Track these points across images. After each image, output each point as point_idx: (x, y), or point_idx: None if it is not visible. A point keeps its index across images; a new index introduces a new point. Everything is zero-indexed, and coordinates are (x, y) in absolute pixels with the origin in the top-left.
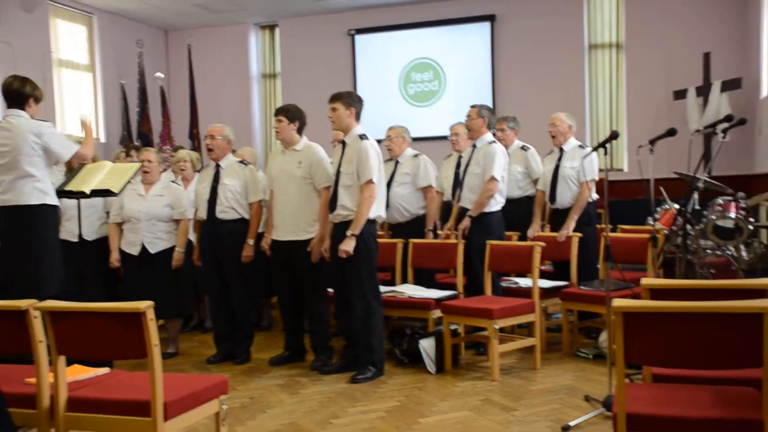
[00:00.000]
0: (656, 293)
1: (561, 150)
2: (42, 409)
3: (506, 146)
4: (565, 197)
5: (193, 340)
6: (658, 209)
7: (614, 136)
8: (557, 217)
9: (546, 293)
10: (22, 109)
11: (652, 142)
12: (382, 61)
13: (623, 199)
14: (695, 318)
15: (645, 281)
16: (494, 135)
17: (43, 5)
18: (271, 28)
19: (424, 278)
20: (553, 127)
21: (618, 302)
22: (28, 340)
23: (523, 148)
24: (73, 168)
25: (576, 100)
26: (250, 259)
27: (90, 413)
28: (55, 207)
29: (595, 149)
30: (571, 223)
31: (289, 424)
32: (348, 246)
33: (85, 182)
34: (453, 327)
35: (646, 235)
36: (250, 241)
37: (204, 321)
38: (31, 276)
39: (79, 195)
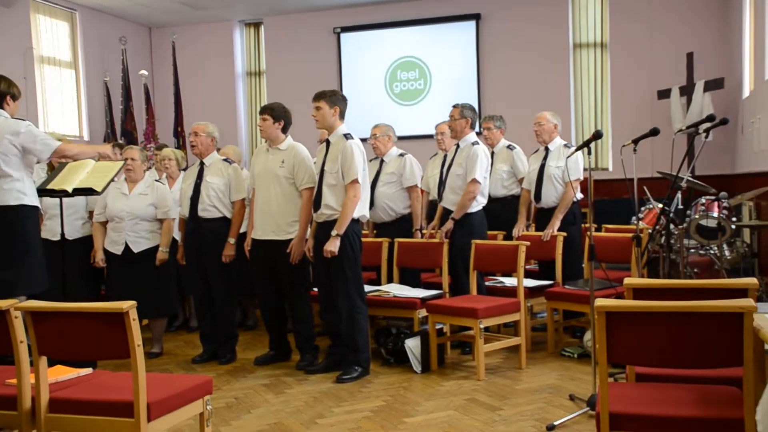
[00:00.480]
0: (639, 293)
1: (546, 149)
2: (23, 410)
3: (492, 145)
4: (550, 196)
5: (178, 339)
6: (642, 209)
7: (597, 135)
8: (542, 216)
9: (531, 292)
10: (0, 107)
11: (636, 141)
12: (367, 59)
13: (608, 199)
14: (677, 317)
15: (628, 281)
16: (480, 134)
17: (24, 0)
18: (256, 25)
19: (409, 278)
20: (539, 126)
21: (600, 302)
22: (9, 340)
23: (509, 147)
24: (54, 166)
25: (561, 99)
26: (232, 258)
27: (72, 414)
28: (34, 207)
29: (578, 149)
30: (556, 222)
31: (275, 424)
32: (333, 246)
33: (67, 181)
34: (438, 326)
35: (630, 235)
36: (231, 240)
37: (189, 320)
38: (10, 277)
39: (61, 194)
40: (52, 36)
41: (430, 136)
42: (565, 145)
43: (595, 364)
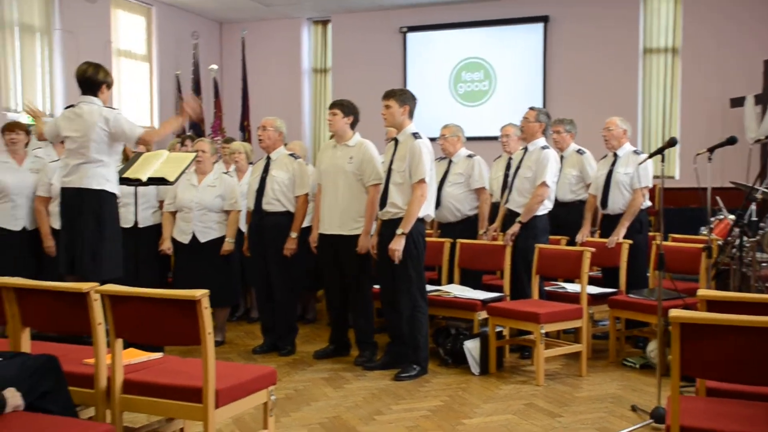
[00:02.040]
0: (713, 305)
1: (615, 155)
2: (99, 389)
3: (562, 149)
4: (617, 203)
5: (239, 329)
6: (712, 219)
7: (672, 143)
8: (608, 223)
9: (594, 299)
10: (95, 95)
11: (711, 150)
12: (432, 59)
13: (674, 208)
14: (754, 332)
15: (702, 292)
16: (550, 137)
17: None
18: (324, 23)
19: (470, 279)
20: (608, 131)
21: (676, 313)
22: (88, 321)
23: (578, 151)
24: (129, 156)
25: (629, 105)
26: (293, 252)
27: (144, 396)
28: (114, 195)
29: (651, 155)
30: (622, 230)
31: (334, 418)
32: (397, 244)
33: (142, 170)
34: (498, 329)
35: (700, 245)
36: (294, 235)
37: (250, 311)
38: (91, 259)
39: (136, 182)
40: (129, 30)
41: (492, 138)
42: (635, 152)
43: (660, 376)
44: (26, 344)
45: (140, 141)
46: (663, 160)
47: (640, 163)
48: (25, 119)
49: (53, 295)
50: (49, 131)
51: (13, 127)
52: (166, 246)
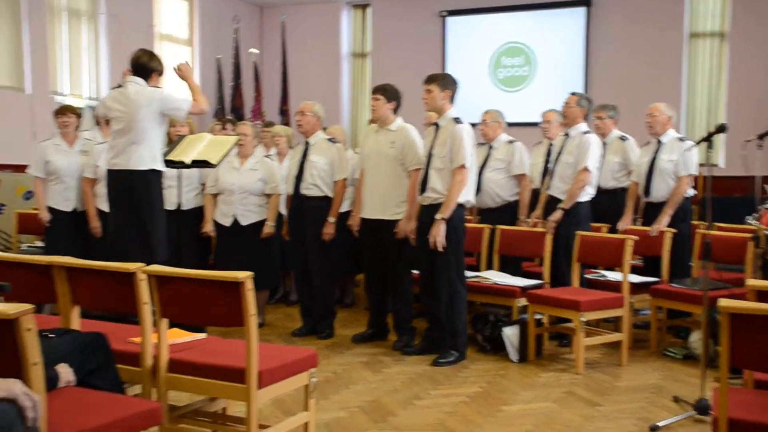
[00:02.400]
0: (763, 295)
1: (659, 142)
2: (145, 367)
3: (604, 135)
4: (660, 191)
5: (278, 312)
6: (760, 208)
7: (721, 129)
8: (651, 211)
9: (635, 288)
10: (145, 81)
11: (761, 137)
12: (472, 44)
13: (718, 196)
14: None
15: (751, 282)
16: (592, 123)
17: None
18: (364, 7)
19: (509, 265)
20: (651, 117)
21: (726, 303)
22: (134, 301)
23: (621, 138)
24: (173, 139)
25: (673, 90)
26: (331, 237)
27: (189, 375)
28: (160, 173)
29: (700, 142)
30: (665, 218)
31: (372, 402)
32: (437, 230)
33: (185, 153)
34: (537, 316)
35: (746, 234)
36: (332, 219)
37: (289, 294)
38: (140, 240)
39: (179, 165)
40: (171, 15)
41: (532, 124)
42: (680, 138)
43: (704, 367)
44: (76, 322)
45: (191, 111)
46: (710, 147)
47: (688, 150)
48: (74, 102)
49: (102, 274)
50: (100, 109)
51: (65, 110)
52: (209, 228)
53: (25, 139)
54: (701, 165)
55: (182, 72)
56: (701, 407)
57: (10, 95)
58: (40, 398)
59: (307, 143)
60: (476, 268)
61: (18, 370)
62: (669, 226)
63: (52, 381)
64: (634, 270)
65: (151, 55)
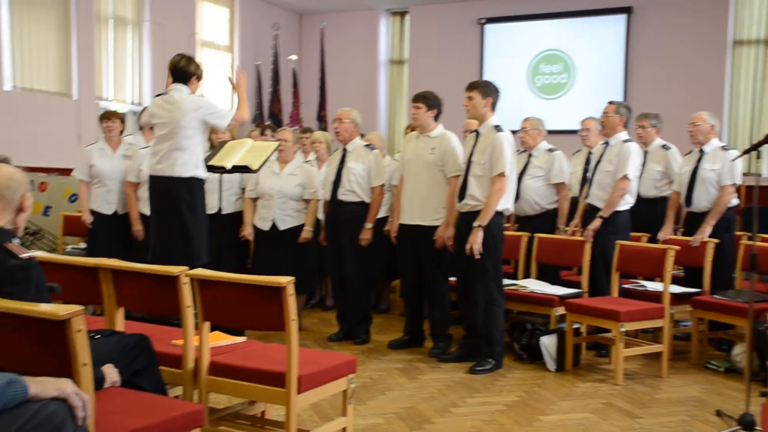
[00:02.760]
0: None
1: (701, 151)
2: (187, 370)
3: (646, 144)
4: (702, 200)
5: (314, 316)
6: None
7: None
8: (692, 221)
9: (675, 299)
10: (186, 85)
11: None
12: (510, 51)
13: (761, 206)
14: None
15: None
16: (633, 132)
17: None
18: (402, 14)
19: (547, 274)
20: (694, 126)
21: None
22: (177, 304)
23: (664, 146)
24: (215, 144)
25: (715, 99)
26: (368, 242)
27: (229, 378)
28: (202, 180)
29: (747, 152)
30: (707, 228)
31: (409, 408)
32: (475, 238)
33: (226, 158)
34: (575, 326)
35: None
36: (369, 225)
37: (325, 299)
38: (181, 245)
39: (221, 170)
40: (213, 22)
41: (570, 132)
42: (723, 147)
43: (749, 381)
44: (120, 323)
45: (234, 122)
46: (759, 157)
47: (734, 159)
48: (117, 107)
49: (146, 277)
50: (144, 117)
51: (110, 115)
52: (248, 232)
53: (71, 143)
54: (745, 174)
55: (238, 79)
56: (746, 422)
57: (58, 101)
58: (89, 398)
59: (344, 149)
60: (514, 276)
61: (68, 370)
62: (711, 236)
63: (98, 381)
64: (675, 280)
65: (189, 60)
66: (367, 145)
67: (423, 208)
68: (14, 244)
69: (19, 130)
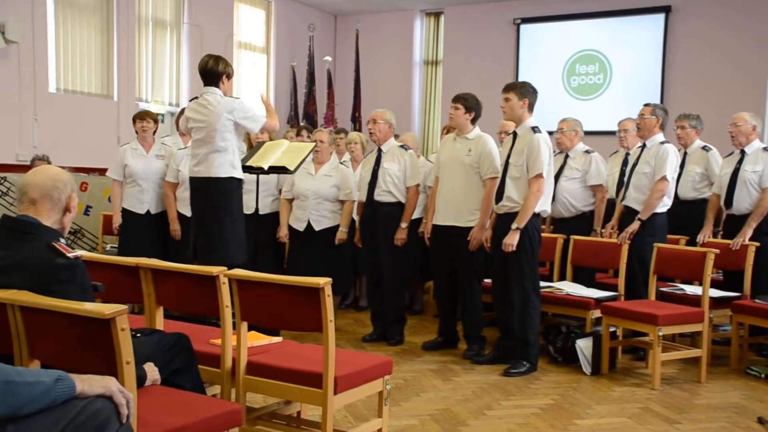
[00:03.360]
0: None
1: (742, 152)
2: (225, 369)
3: (686, 145)
4: (743, 203)
5: (348, 317)
6: None
7: None
8: (732, 224)
9: (714, 303)
10: (216, 86)
11: None
12: (546, 51)
13: None
14: None
15: None
16: (671, 133)
17: None
18: (437, 15)
19: (582, 276)
20: (735, 127)
21: None
22: (216, 304)
23: (704, 148)
24: (253, 145)
25: (755, 99)
26: (403, 242)
27: (266, 378)
28: (240, 180)
29: None
30: (748, 231)
31: (444, 410)
32: (512, 239)
33: (263, 159)
34: (611, 329)
35: None
36: (404, 225)
37: (359, 299)
38: (219, 245)
39: (258, 171)
40: (249, 23)
41: (606, 133)
42: (765, 149)
43: None
44: (160, 322)
45: (265, 129)
46: None
47: None
48: (155, 108)
49: (185, 276)
50: (182, 124)
51: (144, 115)
52: (284, 233)
53: (111, 144)
54: None
55: (264, 101)
56: None
57: (99, 102)
58: (132, 396)
59: (380, 150)
60: (549, 279)
61: (112, 367)
62: (752, 239)
63: (140, 379)
64: (714, 284)
65: (217, 59)
66: (401, 146)
67: (458, 209)
68: (61, 244)
69: (61, 131)
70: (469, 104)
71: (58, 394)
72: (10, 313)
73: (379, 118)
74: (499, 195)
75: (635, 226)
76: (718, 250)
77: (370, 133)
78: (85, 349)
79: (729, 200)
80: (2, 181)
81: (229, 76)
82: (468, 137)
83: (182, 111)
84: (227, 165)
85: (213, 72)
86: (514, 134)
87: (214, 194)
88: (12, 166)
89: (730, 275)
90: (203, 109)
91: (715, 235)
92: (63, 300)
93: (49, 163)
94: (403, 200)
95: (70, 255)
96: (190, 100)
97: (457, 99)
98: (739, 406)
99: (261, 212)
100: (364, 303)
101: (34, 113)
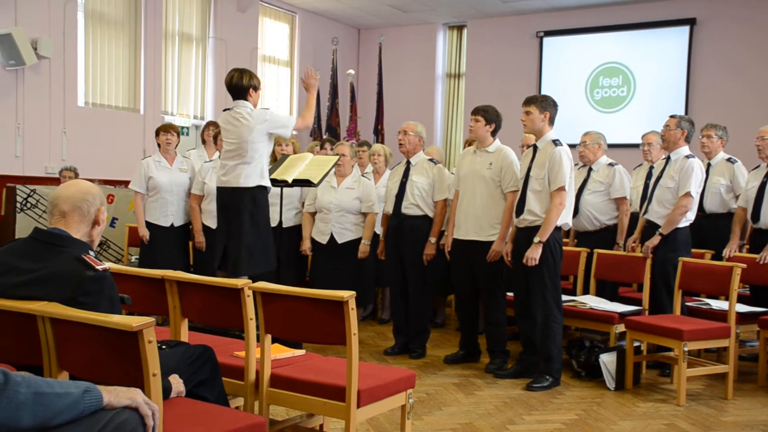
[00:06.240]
0: None
1: None
2: (249, 381)
3: (710, 155)
4: None
5: (368, 329)
6: None
7: None
8: (759, 238)
9: (741, 318)
10: (245, 99)
11: None
12: (569, 64)
13: None
14: None
15: None
16: (697, 147)
17: (255, 5)
18: (460, 28)
19: (606, 290)
20: (762, 140)
21: None
22: (240, 316)
23: (729, 160)
24: (278, 157)
25: None
26: (432, 257)
27: (289, 391)
28: (267, 189)
29: None
30: None
31: (466, 425)
32: (534, 253)
33: (287, 172)
34: (635, 344)
35: None
36: (433, 240)
37: (377, 311)
38: (246, 255)
39: (282, 183)
40: (274, 37)
41: (630, 146)
42: None
43: None
44: (185, 334)
45: (298, 128)
46: None
47: None
48: (180, 121)
49: (210, 289)
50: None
51: (168, 128)
52: (306, 246)
53: (137, 157)
54: None
55: (309, 83)
56: None
57: (126, 116)
58: (158, 407)
59: (408, 163)
60: (572, 293)
61: (139, 379)
62: None
63: (165, 391)
64: (740, 299)
65: (242, 73)
66: (430, 159)
67: (479, 223)
68: (90, 256)
69: (89, 144)
70: (489, 116)
71: (86, 406)
72: (40, 325)
73: (410, 130)
74: (520, 208)
75: (656, 240)
76: (744, 265)
77: (400, 144)
78: (113, 361)
79: (756, 214)
80: (32, 193)
81: (256, 89)
82: (488, 150)
83: (208, 124)
84: (256, 174)
85: (239, 87)
86: (534, 147)
87: (242, 204)
88: (41, 178)
89: (757, 290)
90: (235, 121)
91: (741, 249)
92: (92, 312)
93: (77, 175)
94: (430, 214)
95: (98, 267)
96: (224, 110)
97: (477, 111)
98: (767, 423)
99: (284, 225)
100: (385, 315)
101: (63, 127)
